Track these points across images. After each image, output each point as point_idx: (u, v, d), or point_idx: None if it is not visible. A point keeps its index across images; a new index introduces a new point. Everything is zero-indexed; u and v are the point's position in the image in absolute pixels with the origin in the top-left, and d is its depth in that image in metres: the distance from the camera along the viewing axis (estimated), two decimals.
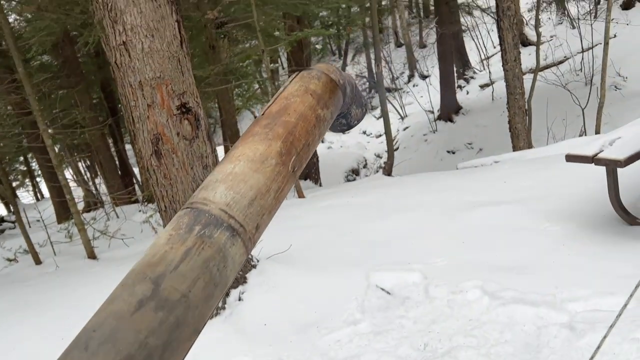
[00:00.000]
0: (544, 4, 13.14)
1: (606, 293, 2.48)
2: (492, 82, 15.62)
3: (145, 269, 0.83)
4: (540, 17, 17.96)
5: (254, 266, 3.24)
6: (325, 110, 1.21)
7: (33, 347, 3.05)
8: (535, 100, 8.86)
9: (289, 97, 1.17)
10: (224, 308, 2.98)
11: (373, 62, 21.08)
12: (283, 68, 19.92)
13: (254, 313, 2.96)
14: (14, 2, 6.07)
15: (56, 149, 13.26)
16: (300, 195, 5.85)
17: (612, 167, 2.93)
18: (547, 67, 13.82)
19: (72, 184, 7.73)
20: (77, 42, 8.70)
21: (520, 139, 8.12)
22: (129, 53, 2.62)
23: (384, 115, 6.31)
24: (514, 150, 8.06)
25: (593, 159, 2.90)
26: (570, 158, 3.04)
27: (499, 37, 8.32)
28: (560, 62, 14.14)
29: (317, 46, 21.87)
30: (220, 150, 10.48)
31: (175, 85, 2.71)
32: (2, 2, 5.30)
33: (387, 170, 6.58)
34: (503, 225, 3.42)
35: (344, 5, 18.51)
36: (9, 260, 5.51)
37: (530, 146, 7.83)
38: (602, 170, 3.05)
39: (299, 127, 1.11)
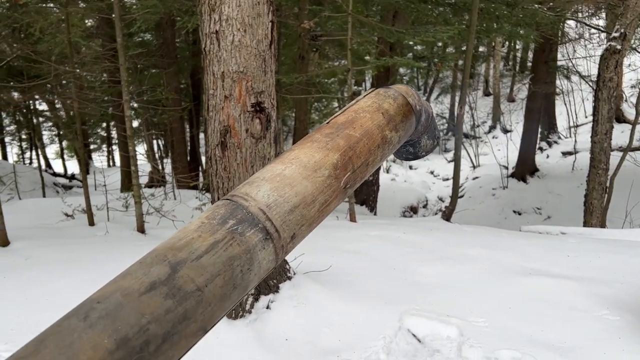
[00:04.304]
0: None
1: None
2: (575, 152, 14.95)
3: (167, 251, 0.78)
4: None
5: (290, 278, 3.18)
6: (394, 132, 1.14)
7: (65, 300, 3.12)
8: (619, 179, 8.34)
9: (359, 111, 1.11)
10: (250, 312, 2.93)
11: (457, 104, 20.78)
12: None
13: (278, 325, 2.89)
14: None
15: (136, 123, 13.90)
16: (353, 219, 5.76)
17: None
18: (639, 148, 13.08)
19: (141, 158, 8.02)
20: (177, 26, 9.11)
21: (594, 215, 7.66)
22: (219, 43, 2.66)
23: (456, 160, 6.14)
24: (584, 226, 7.62)
25: None
26: None
27: (594, 107, 7.93)
28: None
29: (404, 78, 21.85)
30: None
31: (255, 83, 2.72)
32: None
33: (447, 215, 6.37)
34: (556, 301, 3.18)
35: (440, 44, 18.41)
36: (67, 215, 5.75)
37: (603, 225, 7.36)
38: None
39: (362, 144, 1.05)
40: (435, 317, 2.98)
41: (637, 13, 7.74)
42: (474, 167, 17.63)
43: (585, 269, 3.79)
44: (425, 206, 15.56)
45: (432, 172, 19.33)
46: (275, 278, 3.09)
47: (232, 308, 0.84)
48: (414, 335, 2.84)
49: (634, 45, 11.48)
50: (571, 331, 2.85)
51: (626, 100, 17.00)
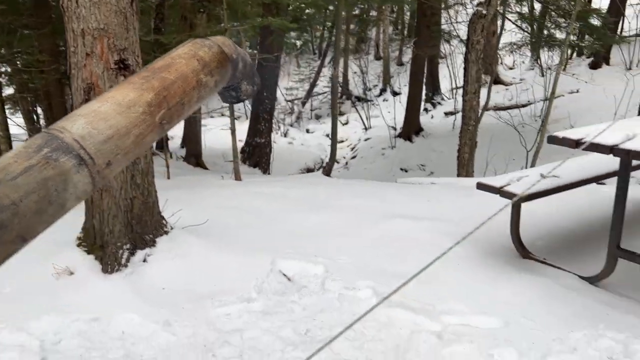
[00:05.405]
0: (515, 47, 13.62)
1: (480, 312, 2.69)
2: (456, 112, 16.05)
3: None
4: (514, 59, 18.65)
5: (166, 232, 3.30)
6: (210, 77, 1.31)
7: None
8: (489, 135, 9.25)
9: (176, 57, 1.27)
10: (126, 266, 3.03)
11: (349, 68, 21.35)
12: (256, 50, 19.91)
13: (155, 276, 3.02)
14: None
15: (11, 89, 12.85)
16: (237, 177, 5.91)
17: (516, 201, 3.14)
18: (509, 107, 14.34)
19: (13, 124, 7.54)
20: None
21: (465, 168, 8.44)
22: None
23: (333, 119, 6.47)
24: (457, 177, 8.38)
25: (499, 190, 3.11)
26: (481, 186, 3.24)
27: (464, 68, 8.62)
28: (523, 106, 14.69)
29: (297, 42, 21.97)
30: None
31: (118, 40, 2.75)
32: None
33: (327, 170, 6.73)
34: (412, 238, 3.60)
35: (331, 7, 18.67)
36: None
37: (469, 175, 8.16)
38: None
39: (177, 85, 1.22)
40: (305, 259, 3.26)
41: None
42: (366, 128, 18.35)
43: (441, 211, 4.27)
44: (321, 167, 16.04)
45: (327, 135, 19.83)
46: (151, 233, 3.20)
47: (53, 222, 0.97)
48: (285, 275, 3.11)
49: (501, 10, 12.45)
50: (422, 262, 3.25)
51: (501, 63, 18.45)
